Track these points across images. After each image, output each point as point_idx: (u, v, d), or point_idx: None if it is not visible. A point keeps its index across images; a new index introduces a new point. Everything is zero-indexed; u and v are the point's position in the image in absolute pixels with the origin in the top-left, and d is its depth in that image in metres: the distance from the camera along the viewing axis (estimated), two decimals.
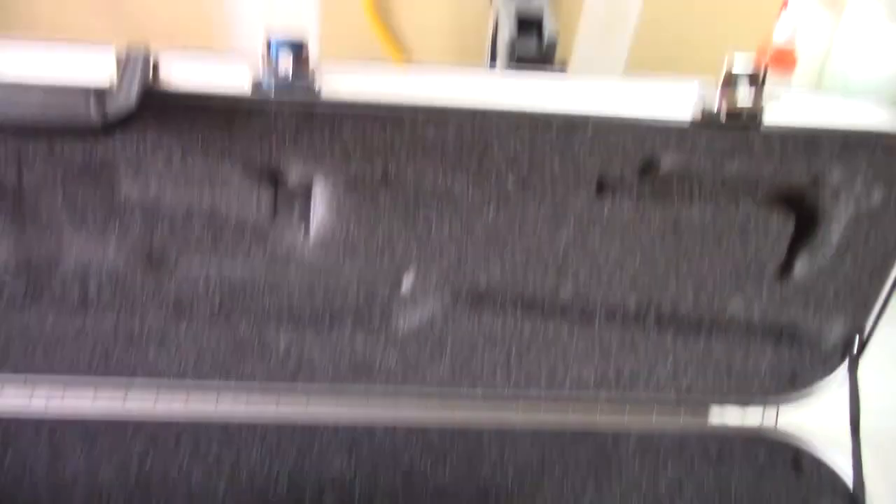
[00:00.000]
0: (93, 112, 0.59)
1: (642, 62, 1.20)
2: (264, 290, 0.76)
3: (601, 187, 0.71)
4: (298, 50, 0.63)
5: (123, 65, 0.62)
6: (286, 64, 0.64)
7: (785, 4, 1.02)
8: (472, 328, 0.78)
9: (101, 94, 0.59)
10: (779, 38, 0.99)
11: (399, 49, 1.21)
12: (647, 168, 0.70)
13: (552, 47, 0.85)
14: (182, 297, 0.76)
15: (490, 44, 0.95)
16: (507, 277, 0.75)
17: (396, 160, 0.68)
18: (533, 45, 0.86)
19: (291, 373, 0.80)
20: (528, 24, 0.87)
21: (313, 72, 0.64)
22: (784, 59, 1.00)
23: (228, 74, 0.65)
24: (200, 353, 0.78)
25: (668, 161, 0.69)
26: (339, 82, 0.65)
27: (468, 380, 0.80)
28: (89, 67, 0.62)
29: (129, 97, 0.60)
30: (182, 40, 1.12)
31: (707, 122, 0.67)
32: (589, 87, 0.68)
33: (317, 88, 0.64)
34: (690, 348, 0.79)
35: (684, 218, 0.72)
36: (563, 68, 0.79)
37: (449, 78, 0.67)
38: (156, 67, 0.64)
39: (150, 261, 0.74)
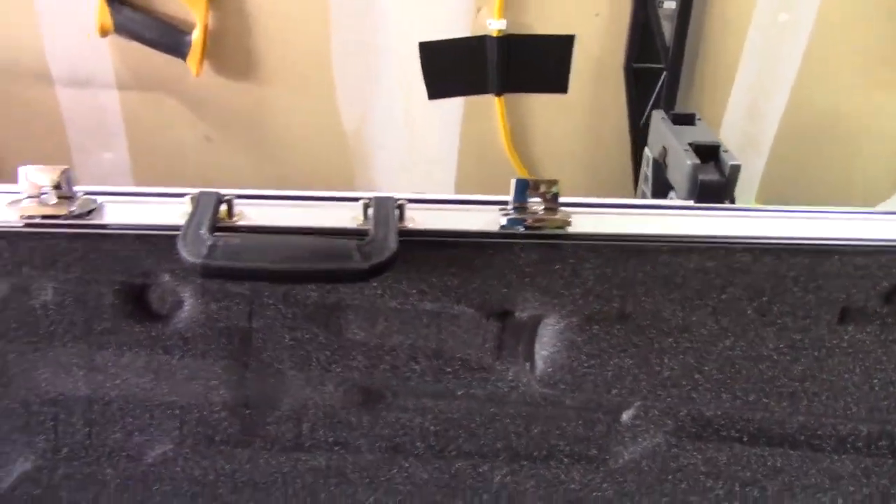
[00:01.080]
0: (358, 259, 0.58)
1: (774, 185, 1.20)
2: (482, 426, 0.74)
3: (843, 314, 0.68)
4: (547, 189, 0.63)
5: (375, 211, 0.62)
6: (535, 203, 0.63)
7: None
8: (695, 460, 0.75)
9: (366, 242, 0.59)
10: None
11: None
12: (893, 294, 0.67)
13: (735, 173, 0.85)
14: (396, 435, 0.74)
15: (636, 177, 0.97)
16: (735, 408, 0.72)
17: (635, 295, 0.67)
18: (715, 173, 0.86)
19: None
20: (707, 154, 0.88)
21: (560, 209, 0.64)
22: None
23: (476, 214, 0.64)
24: (411, 490, 0.76)
25: None
26: (586, 219, 0.64)
27: None
28: (344, 216, 0.62)
29: (391, 243, 0.59)
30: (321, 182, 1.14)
31: None
32: (836, 216, 0.66)
33: (564, 226, 0.64)
34: None
35: None
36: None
37: (691, 212, 0.66)
38: (401, 211, 0.64)
39: (368, 399, 0.73)
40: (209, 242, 0.58)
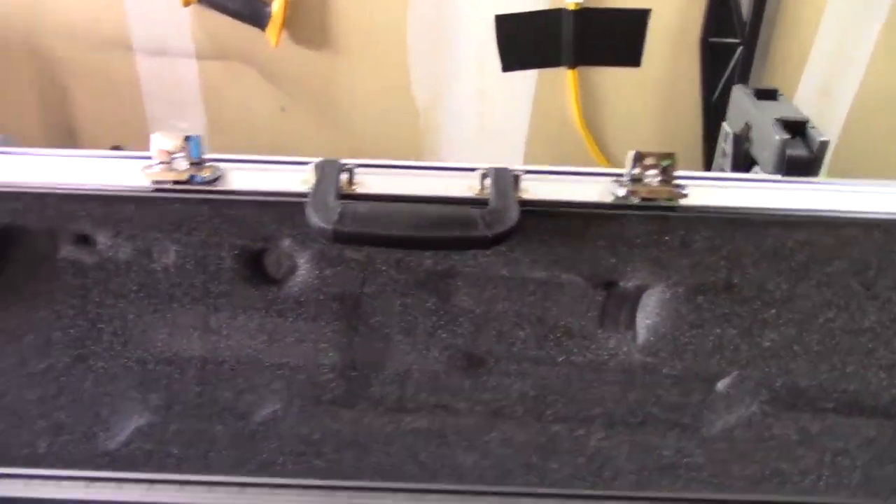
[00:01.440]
0: (482, 228, 0.60)
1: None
2: (580, 392, 0.76)
3: None
4: (663, 162, 0.64)
5: (494, 182, 0.63)
6: (650, 175, 0.64)
7: None
8: (787, 429, 0.76)
9: (488, 211, 0.61)
10: None
11: (605, 158, 1.23)
12: None
13: (823, 148, 0.86)
14: (496, 399, 0.76)
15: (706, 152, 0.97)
16: (832, 379, 0.74)
17: (742, 266, 0.68)
18: (803, 149, 0.86)
19: (594, 473, 0.79)
20: (794, 129, 0.88)
21: (675, 183, 0.65)
22: None
23: (588, 186, 0.66)
24: (508, 453, 0.78)
25: None
26: (696, 192, 0.65)
27: (777, 480, 0.78)
28: (459, 186, 0.64)
29: (512, 212, 0.61)
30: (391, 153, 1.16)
31: None
32: None
33: (677, 198, 0.65)
34: None
35: None
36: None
37: (799, 186, 0.67)
38: (517, 181, 0.65)
39: (470, 364, 0.75)
40: (338, 209, 0.60)
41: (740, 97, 1.01)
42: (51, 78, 1.19)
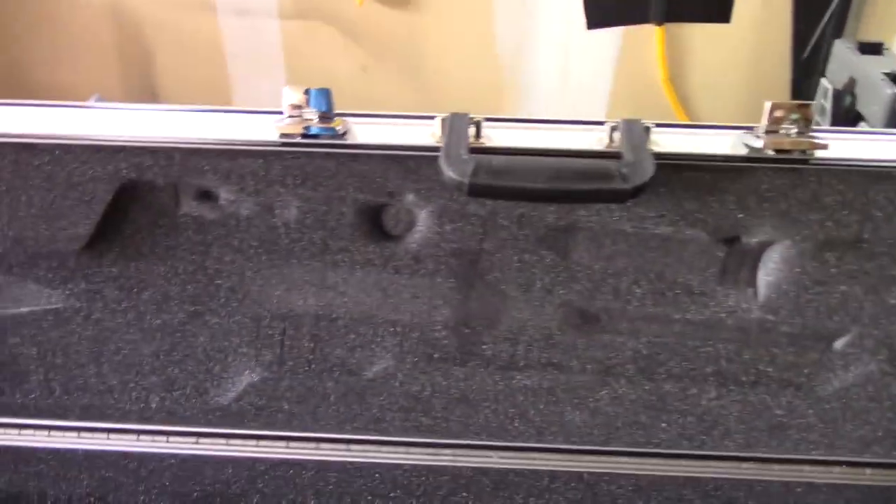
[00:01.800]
0: (619, 181, 0.59)
1: None
2: (693, 350, 0.75)
3: None
4: (798, 113, 0.62)
5: (626, 135, 0.62)
6: (785, 128, 0.63)
7: None
8: None
9: (624, 164, 0.60)
10: None
11: (686, 113, 1.21)
12: None
13: None
14: (608, 357, 0.76)
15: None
16: None
17: (873, 221, 0.66)
18: None
19: (703, 433, 0.78)
20: None
21: (811, 135, 0.63)
22: None
23: (717, 138, 0.64)
24: (618, 412, 0.78)
25: None
26: (836, 144, 0.64)
27: (889, 441, 0.77)
28: (587, 139, 0.63)
29: (647, 165, 0.60)
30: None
31: None
32: None
33: (812, 150, 0.63)
34: None
35: None
36: None
37: None
38: (647, 134, 0.64)
39: (584, 321, 0.74)
40: (472, 163, 0.59)
41: (842, 52, 0.99)
42: (133, 38, 1.19)
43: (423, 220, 0.69)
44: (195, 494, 0.82)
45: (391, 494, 0.81)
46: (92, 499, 0.84)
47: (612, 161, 0.60)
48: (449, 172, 0.59)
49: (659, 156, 0.63)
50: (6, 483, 0.82)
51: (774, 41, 1.16)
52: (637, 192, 0.59)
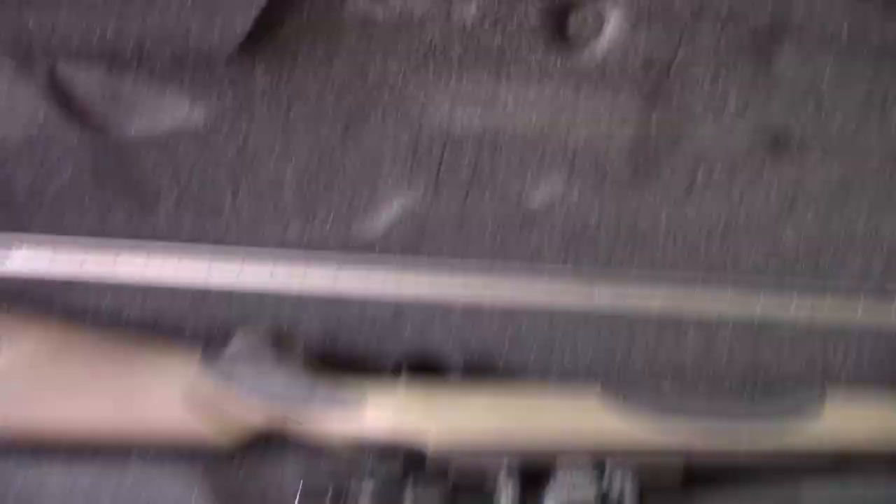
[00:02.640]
0: None
1: None
2: (892, 181, 0.69)
3: None
4: None
5: None
6: None
7: None
8: None
9: None
10: None
11: None
12: None
13: None
14: (796, 188, 0.70)
15: None
16: None
17: None
18: None
19: (885, 273, 0.73)
20: None
21: None
22: None
23: None
24: (798, 247, 0.73)
25: None
26: None
27: None
28: None
29: None
30: None
31: None
32: None
33: None
34: None
35: None
36: None
37: None
38: None
39: (775, 145, 0.68)
40: None
41: None
42: None
43: (614, 24, 0.62)
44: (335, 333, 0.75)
45: (543, 337, 0.75)
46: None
47: None
48: None
49: None
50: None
51: None
52: None
